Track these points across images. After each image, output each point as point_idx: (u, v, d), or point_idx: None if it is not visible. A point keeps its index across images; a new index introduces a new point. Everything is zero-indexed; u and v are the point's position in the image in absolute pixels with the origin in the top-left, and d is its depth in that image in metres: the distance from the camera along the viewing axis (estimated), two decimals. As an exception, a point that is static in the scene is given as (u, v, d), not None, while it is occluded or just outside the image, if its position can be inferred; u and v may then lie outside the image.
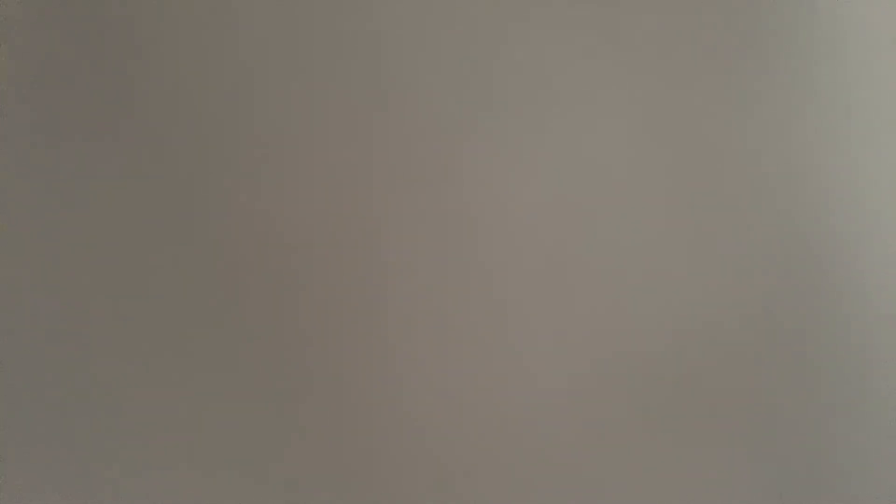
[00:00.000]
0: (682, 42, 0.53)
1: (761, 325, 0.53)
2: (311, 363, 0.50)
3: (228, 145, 0.50)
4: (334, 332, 0.50)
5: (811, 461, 0.53)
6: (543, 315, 0.51)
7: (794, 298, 0.53)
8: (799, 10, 0.54)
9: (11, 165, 0.48)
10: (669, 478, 0.52)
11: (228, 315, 0.49)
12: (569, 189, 0.52)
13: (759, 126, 0.53)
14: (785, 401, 0.53)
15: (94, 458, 0.48)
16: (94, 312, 0.49)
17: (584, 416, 0.51)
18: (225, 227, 0.49)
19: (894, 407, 0.54)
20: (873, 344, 0.54)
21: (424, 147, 0.51)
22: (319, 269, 0.50)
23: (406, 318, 0.50)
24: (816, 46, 0.54)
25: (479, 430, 0.51)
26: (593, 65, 0.52)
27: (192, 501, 0.49)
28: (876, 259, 0.54)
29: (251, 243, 0.49)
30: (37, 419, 0.48)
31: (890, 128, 0.54)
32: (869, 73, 0.54)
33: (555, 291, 0.51)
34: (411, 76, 0.51)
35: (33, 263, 0.48)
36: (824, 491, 0.53)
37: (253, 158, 0.50)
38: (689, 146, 0.53)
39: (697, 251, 0.52)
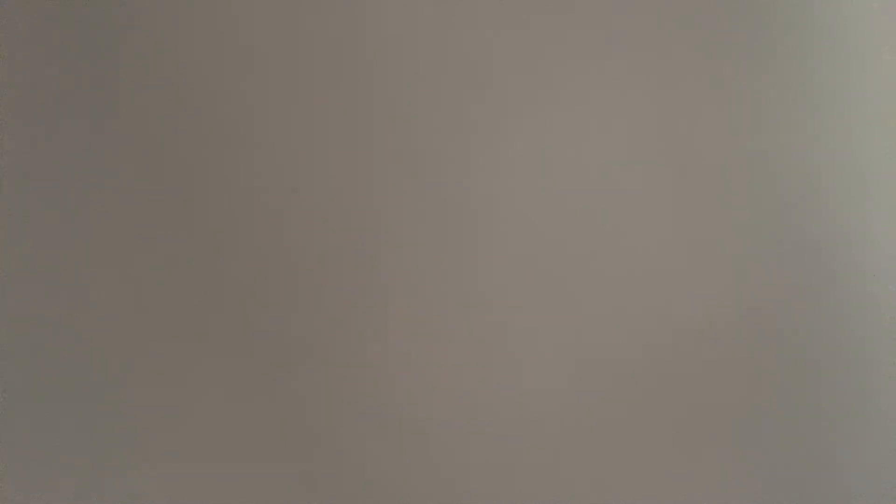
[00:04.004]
0: (683, 41, 0.53)
1: (761, 325, 0.53)
2: (309, 361, 0.50)
3: (228, 143, 0.50)
4: (333, 330, 0.50)
5: (811, 461, 0.53)
6: (542, 313, 0.51)
7: (794, 298, 0.53)
8: (799, 9, 0.54)
9: (11, 165, 0.48)
10: (668, 477, 0.52)
11: (227, 313, 0.49)
12: (569, 187, 0.52)
13: (758, 125, 0.53)
14: (785, 400, 0.53)
15: (92, 457, 0.48)
16: (93, 310, 0.49)
17: (584, 415, 0.51)
18: (224, 225, 0.49)
19: (894, 407, 0.54)
20: (874, 344, 0.54)
21: (424, 146, 0.51)
22: (318, 267, 0.50)
23: (405, 317, 0.50)
24: (816, 46, 0.54)
25: (477, 429, 0.51)
26: (594, 63, 0.52)
27: (191, 499, 0.49)
28: (877, 258, 0.54)
29: (250, 241, 0.50)
30: (36, 419, 0.48)
31: (890, 127, 0.54)
32: (869, 73, 0.54)
33: (554, 290, 0.51)
34: (411, 74, 0.51)
35: (33, 262, 0.48)
36: (825, 491, 0.53)
37: (252, 156, 0.50)
38: (689, 145, 0.53)
39: (697, 250, 0.52)
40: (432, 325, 0.50)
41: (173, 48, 0.50)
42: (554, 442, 0.51)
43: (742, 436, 0.52)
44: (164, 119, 0.49)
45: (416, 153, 0.51)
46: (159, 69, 0.49)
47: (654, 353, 0.52)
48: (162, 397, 0.49)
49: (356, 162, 0.50)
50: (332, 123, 0.50)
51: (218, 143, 0.50)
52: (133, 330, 0.49)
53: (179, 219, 0.49)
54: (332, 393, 0.50)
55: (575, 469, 0.51)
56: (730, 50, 0.53)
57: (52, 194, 0.49)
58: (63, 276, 0.49)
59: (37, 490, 0.48)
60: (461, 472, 0.50)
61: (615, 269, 0.52)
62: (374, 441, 0.50)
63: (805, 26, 0.54)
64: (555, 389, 0.51)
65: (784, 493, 0.53)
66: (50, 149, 0.49)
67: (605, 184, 0.52)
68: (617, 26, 0.52)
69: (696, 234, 0.52)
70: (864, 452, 0.53)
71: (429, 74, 0.51)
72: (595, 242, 0.52)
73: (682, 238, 0.52)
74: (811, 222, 0.53)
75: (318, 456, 0.50)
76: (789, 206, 0.53)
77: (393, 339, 0.50)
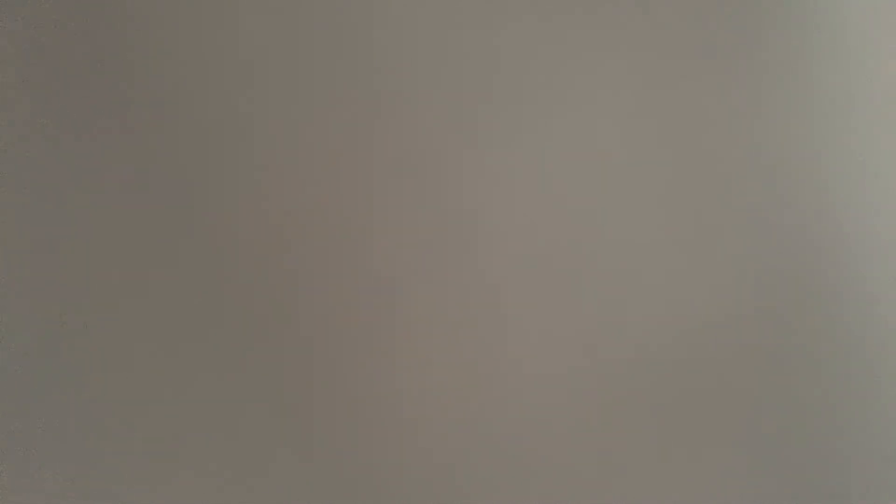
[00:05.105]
0: (682, 41, 0.53)
1: (761, 325, 0.53)
2: (308, 363, 0.50)
3: (227, 144, 0.50)
4: (332, 332, 0.50)
5: (810, 460, 0.53)
6: (542, 313, 0.51)
7: (794, 298, 0.53)
8: (799, 9, 0.54)
9: (11, 165, 0.48)
10: (668, 477, 0.52)
11: (227, 315, 0.49)
12: (568, 187, 0.52)
13: (758, 125, 0.53)
14: (784, 400, 0.53)
15: (93, 458, 0.48)
16: (95, 313, 0.49)
17: (584, 415, 0.51)
18: (224, 227, 0.49)
19: (895, 407, 0.54)
20: (874, 343, 0.54)
21: (424, 146, 0.51)
22: (318, 269, 0.50)
23: (405, 318, 0.50)
24: (817, 46, 0.54)
25: (477, 429, 0.51)
26: (592, 63, 0.52)
27: (193, 501, 0.49)
28: (876, 258, 0.54)
29: (250, 243, 0.50)
30: (36, 420, 0.48)
31: (890, 127, 0.54)
32: (869, 73, 0.54)
33: (554, 290, 0.51)
34: (409, 75, 0.51)
35: (33, 263, 0.48)
36: (824, 491, 0.53)
37: (252, 158, 0.50)
38: (689, 145, 0.53)
39: (697, 250, 0.52)
40: (433, 326, 0.50)
41: (174, 49, 0.50)
42: (555, 441, 0.51)
43: (743, 435, 0.52)
44: (164, 119, 0.49)
45: (415, 154, 0.51)
46: (160, 70, 0.49)
47: (654, 352, 0.52)
48: (162, 399, 0.49)
49: (358, 163, 0.50)
50: (334, 125, 0.50)
51: (219, 145, 0.50)
52: (134, 331, 0.49)
53: (180, 220, 0.49)
54: (333, 393, 0.50)
55: (577, 468, 0.51)
56: (730, 50, 0.53)
57: (53, 196, 0.49)
58: (64, 279, 0.48)
59: (37, 493, 0.48)
60: (463, 472, 0.50)
61: (616, 269, 0.52)
62: (374, 441, 0.50)
63: (805, 26, 0.54)
64: (556, 388, 0.51)
65: (784, 492, 0.53)
66: (51, 150, 0.49)
67: (606, 184, 0.52)
68: (617, 27, 0.52)
69: (696, 234, 0.52)
70: (864, 452, 0.53)
71: (429, 75, 0.51)
72: (595, 242, 0.52)
73: (682, 238, 0.52)
74: (811, 222, 0.53)
75: (320, 456, 0.50)
76: (790, 205, 0.53)
77: (394, 339, 0.50)
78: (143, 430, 0.49)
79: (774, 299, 0.53)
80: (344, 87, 0.50)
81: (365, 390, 0.50)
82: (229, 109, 0.50)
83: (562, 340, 0.51)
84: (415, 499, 0.50)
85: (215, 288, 0.49)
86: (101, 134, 0.49)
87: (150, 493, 0.49)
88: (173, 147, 0.49)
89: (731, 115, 0.53)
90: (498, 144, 0.51)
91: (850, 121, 0.54)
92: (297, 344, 0.50)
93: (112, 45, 0.49)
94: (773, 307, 0.53)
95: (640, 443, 0.51)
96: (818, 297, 0.53)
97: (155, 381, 0.49)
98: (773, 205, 0.53)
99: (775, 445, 0.53)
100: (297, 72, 0.50)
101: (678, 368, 0.52)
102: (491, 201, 0.51)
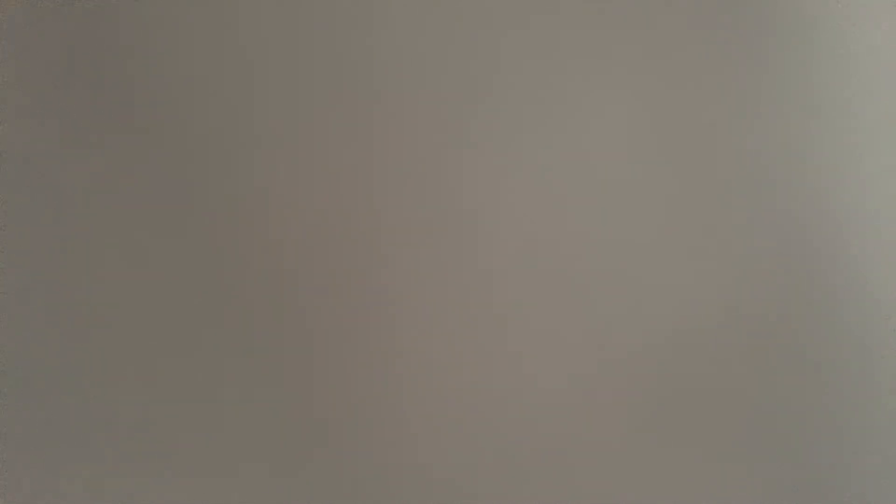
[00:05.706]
0: (682, 42, 0.53)
1: (761, 325, 0.53)
2: (309, 363, 0.50)
3: (228, 144, 0.50)
4: (332, 332, 0.50)
5: (810, 462, 0.53)
6: (543, 314, 0.51)
7: (794, 298, 0.53)
8: (799, 10, 0.54)
9: (12, 165, 0.48)
10: (669, 478, 0.52)
11: (228, 315, 0.49)
12: (569, 188, 0.52)
13: (758, 125, 0.53)
14: (785, 401, 0.53)
15: (93, 458, 0.48)
16: (96, 311, 0.49)
17: (584, 415, 0.51)
18: (225, 226, 0.49)
19: (894, 407, 0.54)
20: (874, 344, 0.54)
21: (423, 146, 0.51)
22: (319, 269, 0.50)
23: (405, 318, 0.50)
24: (817, 46, 0.54)
25: (477, 429, 0.51)
26: (593, 63, 0.52)
27: (194, 500, 0.49)
28: (876, 259, 0.54)
29: (251, 243, 0.50)
30: (37, 420, 0.48)
31: (890, 128, 0.54)
32: (869, 74, 0.54)
33: (554, 291, 0.51)
34: (410, 75, 0.51)
35: (33, 263, 0.48)
36: (823, 491, 0.53)
37: (252, 158, 0.50)
38: (689, 145, 0.53)
39: (697, 251, 0.52)
40: (433, 326, 0.50)
41: (175, 49, 0.50)
42: (556, 440, 0.51)
43: (743, 435, 0.52)
44: (165, 120, 0.49)
45: (416, 152, 0.51)
46: (161, 71, 0.49)
47: (654, 353, 0.52)
48: (161, 399, 0.49)
49: (358, 164, 0.50)
50: (333, 126, 0.50)
51: (218, 145, 0.50)
52: (135, 332, 0.49)
53: (181, 220, 0.49)
54: (333, 393, 0.50)
55: (577, 468, 0.51)
56: (730, 52, 0.53)
57: (54, 196, 0.49)
58: (65, 279, 0.49)
59: (37, 493, 0.48)
60: (463, 472, 0.50)
61: (616, 270, 0.52)
62: (374, 442, 0.50)
63: (805, 26, 0.54)
64: (556, 388, 0.51)
65: (784, 493, 0.52)
66: (51, 150, 0.49)
67: (606, 184, 0.52)
68: (616, 28, 0.52)
69: (696, 234, 0.52)
70: (864, 452, 0.53)
71: (429, 75, 0.51)
72: (596, 243, 0.52)
73: (682, 238, 0.52)
74: (812, 222, 0.53)
75: (320, 457, 0.50)
76: (790, 206, 0.53)
77: (394, 339, 0.50)
78: (142, 429, 0.49)
79: (774, 300, 0.53)
80: (344, 87, 0.50)
81: (365, 390, 0.50)
82: (229, 109, 0.50)
83: (562, 341, 0.51)
84: (415, 499, 0.50)
85: (215, 288, 0.49)
86: (101, 135, 0.49)
87: (150, 493, 0.48)
88: (174, 148, 0.49)
89: (731, 115, 0.53)
90: (498, 145, 0.51)
91: (850, 122, 0.54)
92: (297, 344, 0.50)
93: (113, 46, 0.49)
94: (774, 307, 0.53)
95: (640, 442, 0.51)
96: (818, 298, 0.53)
97: (155, 381, 0.49)
98: (773, 205, 0.53)
99: (775, 445, 0.52)
100: (297, 72, 0.50)
101: (678, 368, 0.52)
102: (491, 201, 0.51)
